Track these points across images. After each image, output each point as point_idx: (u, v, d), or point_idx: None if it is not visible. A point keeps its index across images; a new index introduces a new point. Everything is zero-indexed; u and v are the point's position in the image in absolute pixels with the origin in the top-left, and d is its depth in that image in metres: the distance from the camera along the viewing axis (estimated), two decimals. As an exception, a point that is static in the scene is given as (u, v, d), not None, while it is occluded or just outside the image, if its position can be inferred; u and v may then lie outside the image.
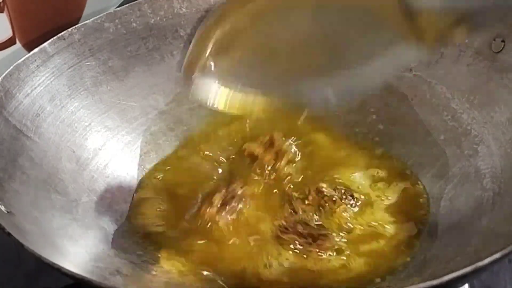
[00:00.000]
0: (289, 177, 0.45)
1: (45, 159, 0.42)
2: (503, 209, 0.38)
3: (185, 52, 0.51)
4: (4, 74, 0.43)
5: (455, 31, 0.36)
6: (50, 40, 0.46)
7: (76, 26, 0.47)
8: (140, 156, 0.48)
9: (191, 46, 0.45)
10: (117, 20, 0.49)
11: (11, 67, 0.43)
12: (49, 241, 0.37)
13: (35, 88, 0.44)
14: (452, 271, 0.29)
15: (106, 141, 0.47)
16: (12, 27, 0.54)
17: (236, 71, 0.41)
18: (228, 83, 0.41)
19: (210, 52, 0.42)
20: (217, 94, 0.41)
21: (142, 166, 0.48)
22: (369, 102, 0.50)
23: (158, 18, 0.51)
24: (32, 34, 0.55)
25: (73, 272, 0.31)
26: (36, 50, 0.45)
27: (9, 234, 0.33)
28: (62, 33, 0.47)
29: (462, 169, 0.43)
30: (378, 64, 0.39)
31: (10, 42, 0.54)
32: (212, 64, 0.41)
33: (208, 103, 0.41)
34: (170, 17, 0.51)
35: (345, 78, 0.39)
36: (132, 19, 0.50)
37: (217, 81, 0.41)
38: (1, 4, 0.52)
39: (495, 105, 0.43)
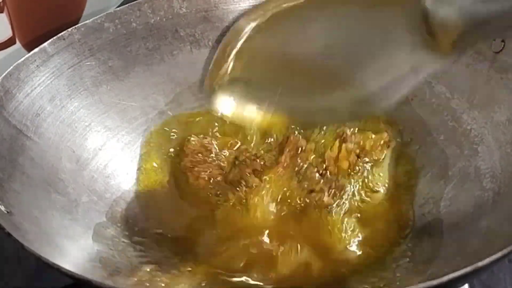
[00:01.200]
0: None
1: (45, 159, 0.42)
2: (503, 209, 0.38)
3: (185, 52, 0.51)
4: (4, 74, 0.43)
5: (471, 38, 0.36)
6: (50, 40, 0.46)
7: (76, 26, 0.47)
8: (140, 156, 0.48)
9: (213, 60, 0.47)
10: (117, 20, 0.49)
11: (11, 67, 0.43)
12: (49, 241, 0.37)
13: (35, 88, 0.44)
14: (452, 271, 0.29)
15: (106, 141, 0.47)
16: (12, 27, 0.54)
17: (251, 86, 0.43)
18: (244, 97, 0.43)
19: (229, 67, 0.44)
20: (234, 106, 0.43)
21: (142, 166, 0.48)
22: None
23: (158, 18, 0.51)
24: (32, 34, 0.55)
25: (73, 272, 0.31)
26: (36, 50, 0.45)
27: (9, 234, 0.33)
28: (62, 33, 0.47)
29: (462, 169, 0.43)
30: (396, 77, 0.39)
31: (10, 42, 0.54)
32: (231, 78, 0.44)
33: (225, 115, 0.44)
34: (170, 17, 0.51)
35: (363, 92, 0.39)
36: (132, 19, 0.50)
37: (234, 94, 0.43)
38: (1, 4, 0.52)
39: (495, 105, 0.43)
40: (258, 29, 0.42)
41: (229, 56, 0.44)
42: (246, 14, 0.46)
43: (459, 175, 0.43)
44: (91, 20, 0.48)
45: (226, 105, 0.43)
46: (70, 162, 0.44)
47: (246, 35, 0.43)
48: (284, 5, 0.42)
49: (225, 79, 0.43)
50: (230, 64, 0.43)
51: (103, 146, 0.47)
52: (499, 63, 0.44)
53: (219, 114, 0.44)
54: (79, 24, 0.48)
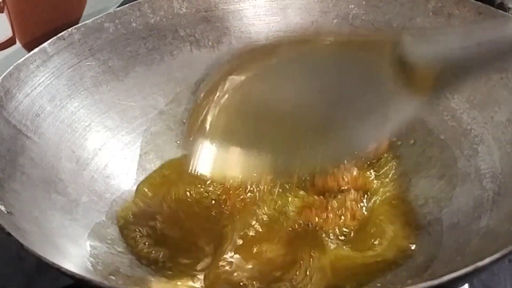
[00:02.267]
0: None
1: (45, 159, 0.42)
2: (503, 209, 0.38)
3: (185, 52, 0.51)
4: (4, 74, 0.43)
5: (450, 81, 0.35)
6: (50, 40, 0.46)
7: (76, 26, 0.47)
8: (140, 156, 0.48)
9: (188, 117, 0.43)
10: (117, 20, 0.49)
11: (11, 67, 0.43)
12: (49, 241, 0.37)
13: (35, 88, 0.44)
14: (452, 271, 0.29)
15: (106, 141, 0.47)
16: (12, 27, 0.54)
17: (231, 135, 0.40)
18: (224, 156, 0.39)
19: (206, 117, 0.39)
20: (213, 166, 0.39)
21: (142, 166, 0.48)
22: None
23: (158, 18, 0.51)
24: (32, 34, 0.55)
25: (73, 272, 0.31)
26: (36, 50, 0.45)
27: (9, 234, 0.33)
28: (62, 33, 0.47)
29: (462, 169, 0.43)
30: (375, 122, 0.38)
31: (10, 42, 0.54)
32: (209, 136, 0.39)
33: (204, 175, 0.40)
34: (170, 17, 0.51)
35: (340, 138, 0.38)
36: (132, 19, 0.50)
37: (213, 153, 0.39)
38: (1, 4, 0.52)
39: (495, 105, 0.43)
40: (234, 85, 0.39)
41: (206, 114, 0.39)
42: (220, 68, 0.42)
43: (459, 175, 0.43)
44: (91, 20, 0.48)
45: (205, 164, 0.39)
46: (70, 162, 0.44)
47: (223, 92, 0.39)
48: (260, 61, 0.40)
49: (203, 138, 0.39)
50: (207, 122, 0.39)
51: (103, 146, 0.47)
52: (499, 63, 0.44)
53: (197, 174, 0.39)
54: (79, 24, 0.48)
